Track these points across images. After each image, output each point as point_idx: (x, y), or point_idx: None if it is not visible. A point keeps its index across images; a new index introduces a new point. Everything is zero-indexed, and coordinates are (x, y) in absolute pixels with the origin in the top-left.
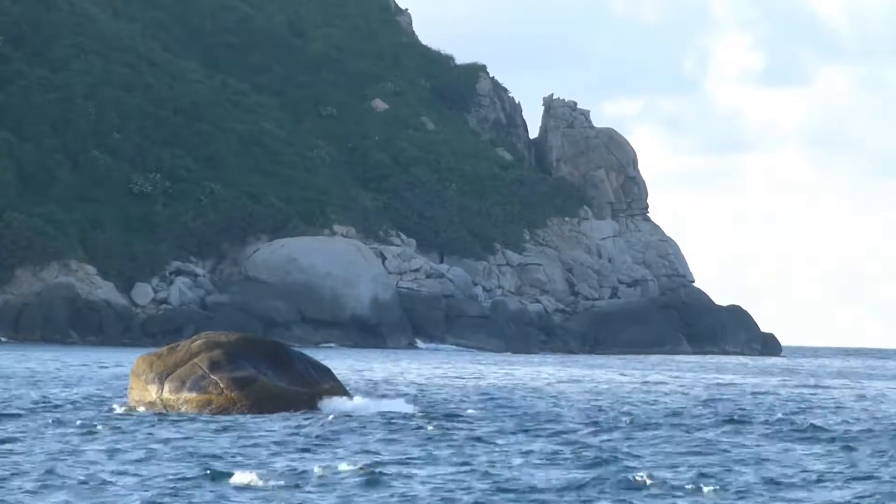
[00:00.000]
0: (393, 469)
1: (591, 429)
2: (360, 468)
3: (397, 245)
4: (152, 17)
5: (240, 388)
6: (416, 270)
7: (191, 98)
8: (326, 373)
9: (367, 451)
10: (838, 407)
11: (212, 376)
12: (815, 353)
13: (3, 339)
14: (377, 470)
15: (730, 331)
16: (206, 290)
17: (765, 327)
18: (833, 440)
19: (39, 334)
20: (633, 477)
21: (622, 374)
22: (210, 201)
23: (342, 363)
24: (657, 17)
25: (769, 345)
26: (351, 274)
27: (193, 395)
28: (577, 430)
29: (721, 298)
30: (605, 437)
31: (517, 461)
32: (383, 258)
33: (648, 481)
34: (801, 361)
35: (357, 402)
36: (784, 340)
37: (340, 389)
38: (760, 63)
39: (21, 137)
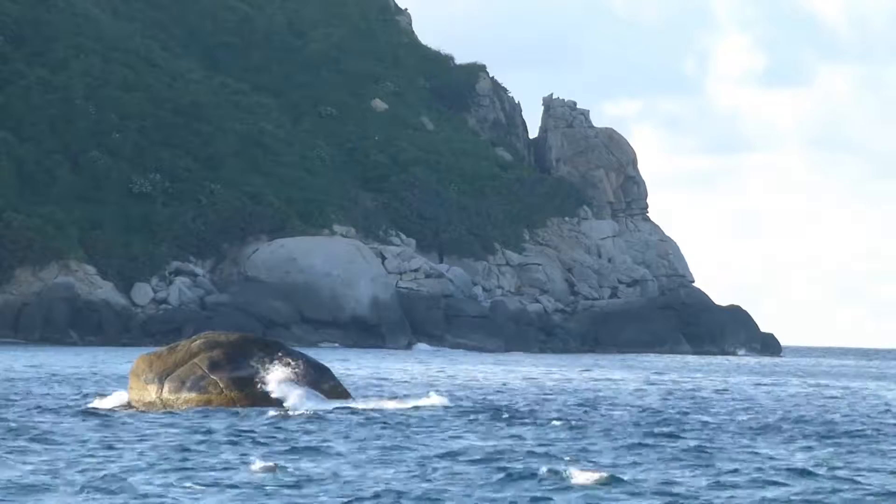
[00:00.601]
0: (344, 468)
1: (539, 424)
2: (290, 466)
3: (397, 245)
4: (152, 17)
5: (239, 387)
6: (416, 270)
7: (191, 98)
8: (326, 372)
9: (323, 450)
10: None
11: (211, 376)
12: (813, 353)
13: (3, 339)
14: (301, 467)
15: (730, 331)
16: (206, 290)
17: (765, 327)
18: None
19: (39, 334)
20: (555, 470)
21: (614, 375)
22: (210, 201)
23: (341, 364)
24: (657, 17)
25: (769, 345)
26: (350, 274)
27: (193, 394)
28: (531, 425)
29: (721, 298)
30: (552, 434)
31: (461, 457)
32: (383, 258)
33: (576, 477)
34: (798, 361)
35: (338, 401)
36: (784, 340)
37: (340, 389)
38: (760, 63)
39: (21, 137)
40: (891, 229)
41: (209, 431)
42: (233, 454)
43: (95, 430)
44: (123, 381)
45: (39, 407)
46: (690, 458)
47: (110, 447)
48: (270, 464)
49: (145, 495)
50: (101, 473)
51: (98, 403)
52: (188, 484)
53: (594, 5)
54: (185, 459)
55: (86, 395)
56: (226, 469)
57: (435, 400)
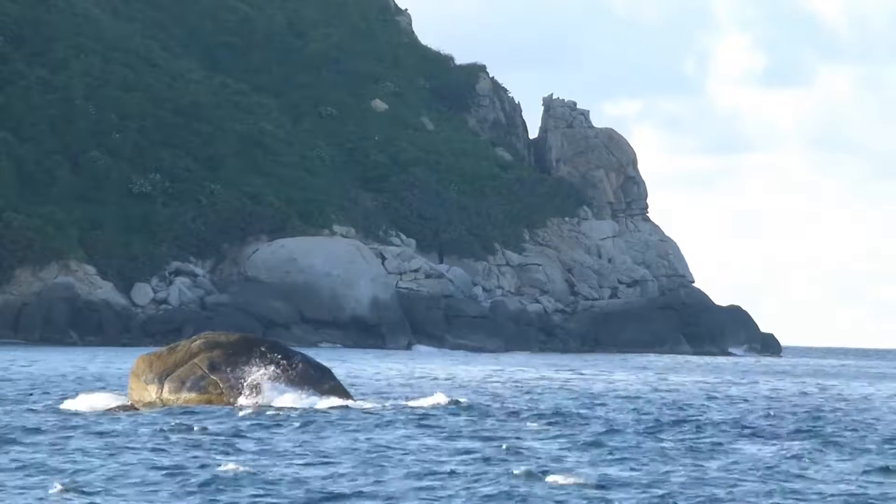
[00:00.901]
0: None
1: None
2: (256, 466)
3: (397, 245)
4: (152, 17)
5: (239, 388)
6: (416, 270)
7: (191, 98)
8: (326, 372)
9: (295, 450)
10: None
11: (211, 376)
12: (813, 353)
13: (2, 340)
14: (270, 468)
15: (730, 331)
16: (206, 290)
17: (765, 327)
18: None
19: (39, 334)
20: (547, 470)
21: (611, 375)
22: (210, 201)
23: (340, 365)
24: (657, 17)
25: (769, 345)
26: (350, 274)
27: (193, 395)
28: (527, 424)
29: (721, 298)
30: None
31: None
32: (383, 258)
33: (567, 477)
34: (798, 361)
35: (328, 402)
36: (784, 340)
37: (340, 389)
38: (760, 63)
39: (21, 137)
40: (891, 229)
41: (205, 431)
42: (227, 455)
43: (83, 430)
44: (121, 381)
45: (30, 407)
46: (680, 457)
47: (96, 448)
48: (266, 463)
49: (126, 495)
50: (82, 474)
51: (91, 404)
52: (176, 484)
53: (594, 5)
54: (174, 459)
55: (80, 395)
56: (218, 469)
57: (433, 400)
